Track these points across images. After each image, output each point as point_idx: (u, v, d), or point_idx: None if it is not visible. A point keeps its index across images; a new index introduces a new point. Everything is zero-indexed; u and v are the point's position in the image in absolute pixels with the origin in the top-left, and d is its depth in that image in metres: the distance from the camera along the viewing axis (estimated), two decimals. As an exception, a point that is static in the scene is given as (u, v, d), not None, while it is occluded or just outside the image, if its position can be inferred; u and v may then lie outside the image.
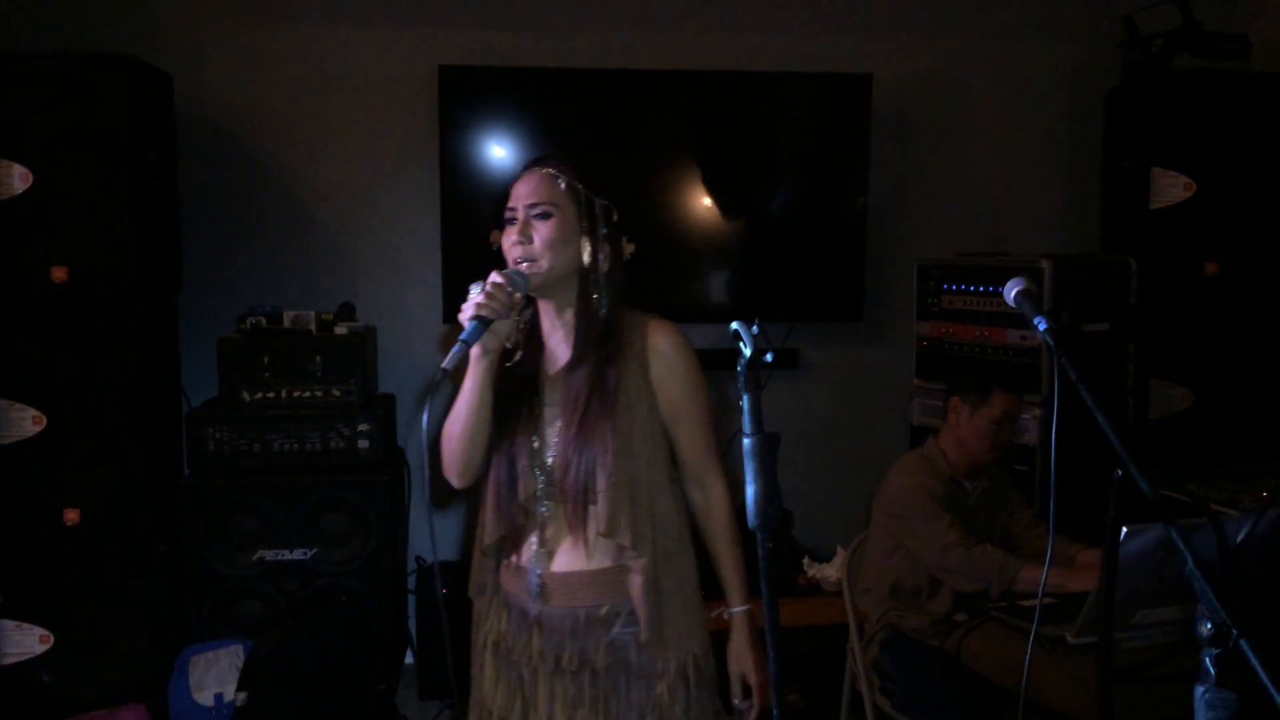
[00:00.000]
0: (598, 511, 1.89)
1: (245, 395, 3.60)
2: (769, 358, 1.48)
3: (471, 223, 3.92)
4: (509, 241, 1.93)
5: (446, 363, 1.73)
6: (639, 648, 1.92)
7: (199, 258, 4.01)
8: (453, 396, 1.95)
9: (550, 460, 1.92)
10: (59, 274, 3.35)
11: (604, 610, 1.93)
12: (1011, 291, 1.78)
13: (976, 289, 3.82)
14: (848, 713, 3.32)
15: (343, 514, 3.56)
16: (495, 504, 1.97)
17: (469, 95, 3.99)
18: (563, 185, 1.93)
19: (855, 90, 4.18)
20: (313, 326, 3.68)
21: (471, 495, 2.06)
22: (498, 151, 4.02)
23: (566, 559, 1.94)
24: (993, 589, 2.85)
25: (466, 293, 1.84)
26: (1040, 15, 4.48)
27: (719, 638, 2.03)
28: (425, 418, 1.73)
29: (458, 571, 3.99)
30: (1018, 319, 3.59)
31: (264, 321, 3.67)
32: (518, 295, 1.87)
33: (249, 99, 4.08)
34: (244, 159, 4.10)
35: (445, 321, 4.06)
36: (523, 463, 1.94)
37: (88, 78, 3.35)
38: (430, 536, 1.94)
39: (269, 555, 3.53)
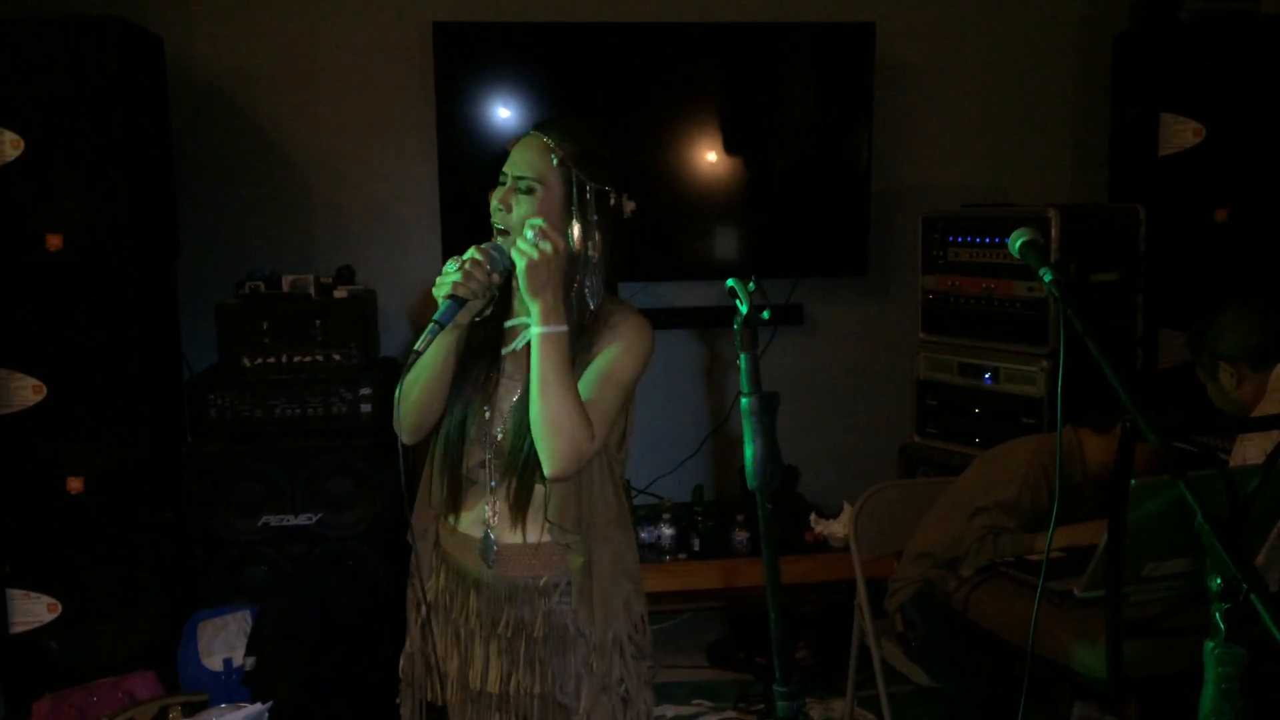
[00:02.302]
0: (542, 491, 1.87)
1: (245, 361, 3.57)
2: (766, 315, 1.45)
3: (470, 183, 3.83)
4: (493, 205, 1.88)
5: (419, 345, 1.71)
6: (574, 618, 1.92)
7: (195, 223, 3.97)
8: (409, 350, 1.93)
9: (499, 434, 1.89)
10: (54, 242, 3.32)
11: (542, 581, 1.92)
12: (1017, 243, 1.74)
13: (982, 241, 3.77)
14: (855, 669, 3.32)
15: (347, 478, 3.55)
16: (441, 466, 1.94)
17: (464, 52, 3.92)
18: (555, 161, 1.84)
19: (857, 39, 4.11)
20: (312, 290, 3.65)
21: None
22: (495, 109, 3.97)
23: (507, 530, 1.92)
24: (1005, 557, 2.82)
25: (443, 270, 1.80)
26: (1046, -41, 4.40)
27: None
28: (398, 395, 1.72)
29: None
30: (1025, 270, 3.53)
31: (262, 286, 3.64)
32: (496, 276, 1.82)
33: (241, 60, 4.02)
34: (238, 121, 4.05)
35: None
36: (471, 431, 1.91)
37: (77, 41, 3.30)
38: (404, 506, 1.90)
39: (274, 520, 3.53)
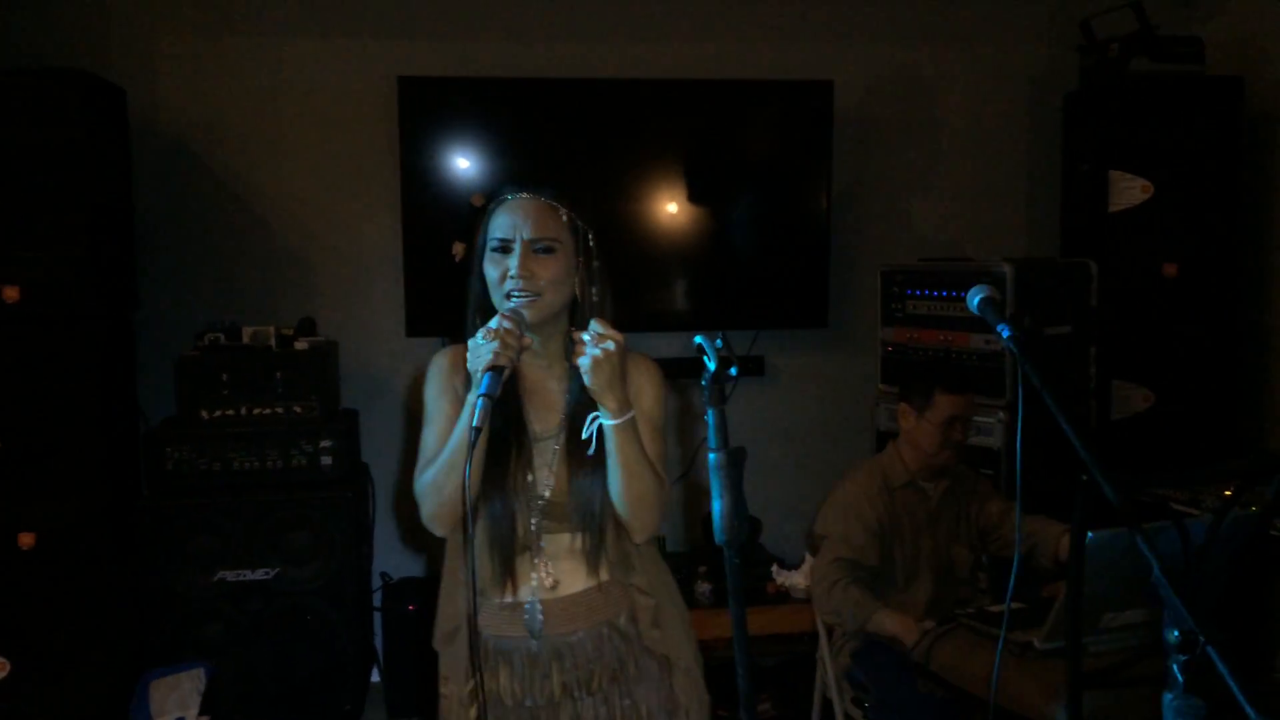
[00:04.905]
0: (609, 538, 1.92)
1: (204, 414, 3.54)
2: (733, 371, 1.46)
3: (433, 235, 3.88)
4: (502, 270, 1.85)
5: (477, 421, 1.66)
6: (657, 646, 1.98)
7: (155, 274, 3.95)
8: (413, 442, 1.89)
9: (546, 494, 1.89)
10: (11, 293, 3.28)
11: (622, 619, 1.97)
12: (975, 299, 1.77)
13: (940, 294, 3.83)
14: (819, 721, 3.31)
15: (306, 532, 3.52)
16: (491, 544, 1.90)
17: (429, 106, 3.95)
18: (564, 219, 1.89)
19: (817, 96, 4.19)
20: (272, 342, 3.63)
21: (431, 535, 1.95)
22: (459, 163, 3.99)
23: (573, 583, 1.94)
24: (847, 625, 3.00)
25: (474, 341, 1.78)
26: (999, 19, 4.51)
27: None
28: (467, 474, 1.67)
29: (425, 586, 3.96)
30: (982, 323, 3.59)
31: (222, 338, 3.61)
32: (527, 340, 1.83)
33: (204, 113, 4.03)
34: (200, 174, 4.04)
35: (409, 335, 4.01)
36: (519, 500, 1.90)
37: (40, 93, 3.29)
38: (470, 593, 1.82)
39: (230, 576, 3.47)
